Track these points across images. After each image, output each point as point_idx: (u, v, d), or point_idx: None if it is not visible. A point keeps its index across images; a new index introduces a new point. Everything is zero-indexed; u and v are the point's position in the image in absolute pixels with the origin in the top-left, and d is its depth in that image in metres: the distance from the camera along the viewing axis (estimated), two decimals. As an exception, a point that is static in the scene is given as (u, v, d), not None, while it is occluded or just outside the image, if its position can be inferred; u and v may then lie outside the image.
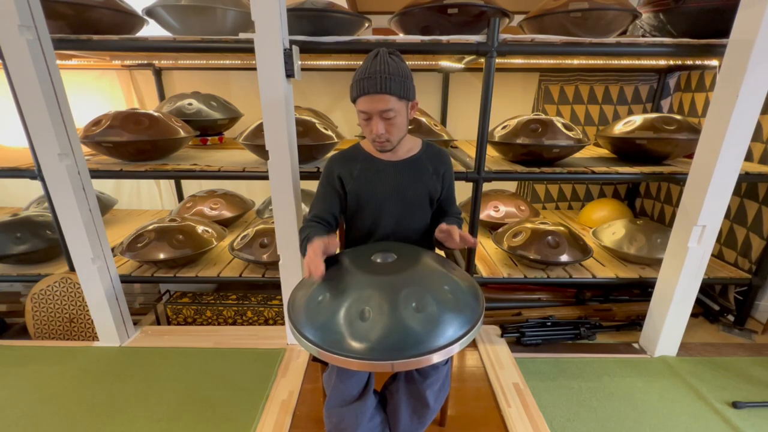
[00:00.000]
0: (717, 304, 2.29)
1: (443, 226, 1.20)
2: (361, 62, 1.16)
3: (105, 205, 2.79)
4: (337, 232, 1.40)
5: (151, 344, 1.93)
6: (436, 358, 0.87)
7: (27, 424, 1.47)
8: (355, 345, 0.87)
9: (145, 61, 2.65)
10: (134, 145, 1.89)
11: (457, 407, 1.55)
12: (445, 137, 2.09)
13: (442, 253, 1.78)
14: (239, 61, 2.57)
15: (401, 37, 1.73)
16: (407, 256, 1.12)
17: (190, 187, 3.12)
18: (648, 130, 2.00)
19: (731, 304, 2.25)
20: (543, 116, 2.04)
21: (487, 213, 2.57)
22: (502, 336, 2.01)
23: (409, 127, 1.98)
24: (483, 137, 1.79)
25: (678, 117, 2.02)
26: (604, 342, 2.06)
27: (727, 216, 2.22)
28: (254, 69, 2.09)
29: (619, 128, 2.12)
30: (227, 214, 2.68)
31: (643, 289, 2.39)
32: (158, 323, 2.26)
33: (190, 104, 2.41)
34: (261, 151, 1.83)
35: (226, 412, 1.52)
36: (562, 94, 2.87)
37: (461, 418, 1.51)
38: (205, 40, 1.66)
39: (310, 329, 0.93)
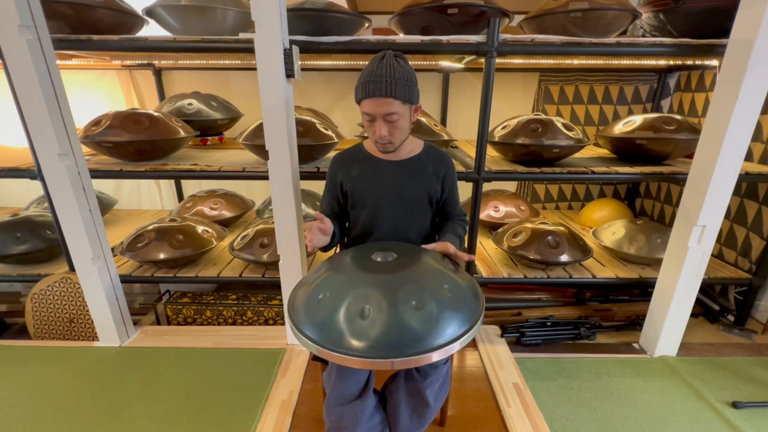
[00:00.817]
0: (717, 304, 2.29)
1: (437, 245, 1.22)
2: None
3: (105, 205, 2.79)
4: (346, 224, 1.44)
5: (151, 344, 1.93)
6: (436, 356, 0.87)
7: (27, 424, 1.47)
8: (355, 343, 0.88)
9: (145, 61, 2.65)
10: (134, 145, 1.89)
11: (457, 407, 1.55)
12: (445, 137, 2.09)
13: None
14: (239, 61, 2.57)
15: (401, 37, 1.73)
16: (407, 255, 1.13)
17: (190, 187, 3.12)
18: (648, 130, 2.00)
19: (731, 304, 2.25)
20: (543, 116, 2.04)
21: (487, 213, 2.57)
22: (502, 336, 2.01)
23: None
24: (483, 137, 1.79)
25: (678, 117, 2.02)
26: (604, 342, 2.06)
27: (727, 216, 2.22)
28: (254, 69, 2.09)
29: (619, 128, 2.12)
30: (227, 214, 2.68)
31: (643, 289, 2.39)
32: (158, 323, 2.26)
33: (190, 104, 2.41)
34: (261, 151, 1.83)
35: (226, 412, 1.52)
36: (562, 94, 2.88)
37: (461, 418, 1.51)
38: (205, 40, 1.66)
39: (310, 327, 0.94)
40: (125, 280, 2.02)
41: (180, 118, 2.22)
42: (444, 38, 1.65)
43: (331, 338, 0.90)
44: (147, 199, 3.20)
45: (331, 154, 2.08)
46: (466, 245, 2.04)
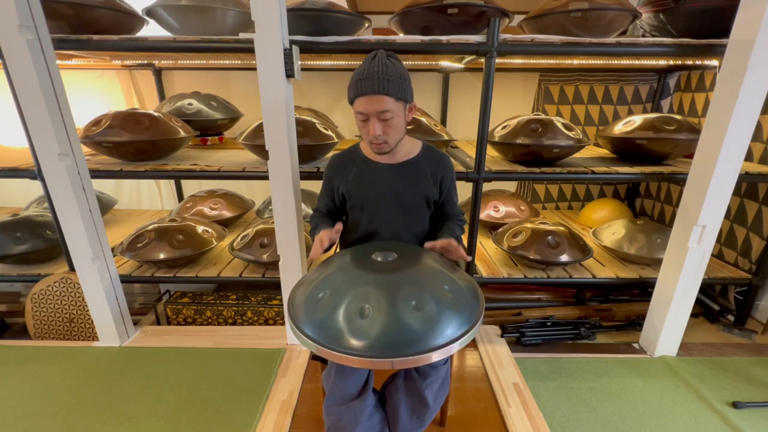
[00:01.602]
0: (717, 304, 2.29)
1: (434, 243, 1.22)
2: (361, 62, 1.16)
3: (105, 205, 2.79)
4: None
5: (151, 344, 1.93)
6: (436, 356, 0.87)
7: (27, 424, 1.47)
8: (354, 342, 0.88)
9: (145, 61, 2.65)
10: (134, 145, 1.89)
11: (457, 407, 1.55)
12: (445, 137, 2.09)
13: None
14: (239, 61, 2.57)
15: (401, 37, 1.73)
16: (408, 255, 1.13)
17: (190, 187, 3.12)
18: (648, 130, 1.99)
19: (731, 304, 2.25)
20: (543, 116, 2.04)
21: (487, 213, 2.57)
22: (502, 336, 2.01)
23: (409, 127, 1.99)
24: (483, 137, 1.79)
25: (678, 117, 2.02)
26: (604, 342, 2.06)
27: (727, 216, 2.22)
28: (254, 69, 2.09)
29: (619, 128, 2.12)
30: (227, 214, 2.68)
31: (643, 289, 2.39)
32: (158, 323, 2.26)
33: (190, 104, 2.41)
34: (261, 151, 1.83)
35: (226, 412, 1.52)
36: (562, 94, 2.87)
37: (461, 418, 1.51)
38: (205, 40, 1.66)
39: (310, 326, 0.94)
40: (125, 280, 2.02)
41: (180, 118, 2.22)
42: (444, 38, 1.65)
43: (331, 337, 0.90)
44: (147, 199, 3.20)
45: (331, 154, 2.08)
46: (465, 245, 2.05)
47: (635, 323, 2.13)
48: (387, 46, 1.65)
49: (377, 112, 1.12)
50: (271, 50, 1.42)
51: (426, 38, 1.65)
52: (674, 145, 1.97)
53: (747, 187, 2.17)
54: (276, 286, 1.85)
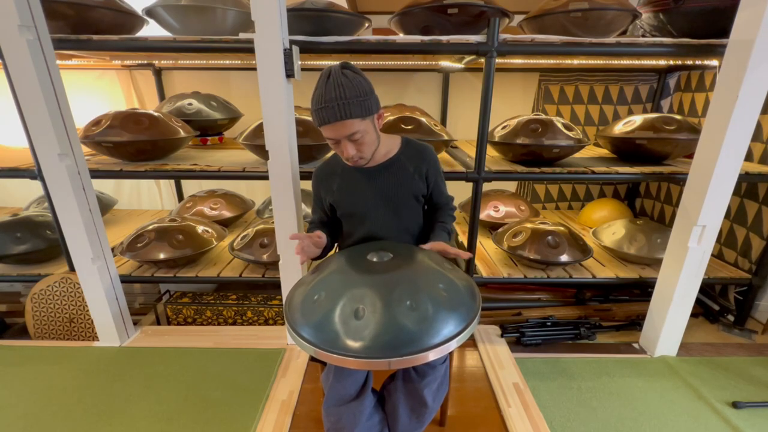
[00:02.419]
0: (717, 304, 2.29)
1: (433, 245, 1.21)
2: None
3: (105, 205, 2.79)
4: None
5: (151, 344, 1.93)
6: (432, 355, 0.87)
7: (27, 424, 1.47)
8: (351, 343, 0.88)
9: (145, 61, 2.65)
10: (134, 145, 1.89)
11: (457, 407, 1.55)
12: (445, 137, 2.08)
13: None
14: (239, 61, 2.57)
15: (401, 37, 1.73)
16: (403, 255, 1.12)
17: (190, 187, 3.12)
18: (648, 130, 1.99)
19: (731, 304, 2.25)
20: (543, 116, 2.04)
21: (487, 213, 2.57)
22: (502, 336, 2.01)
23: (409, 127, 1.99)
24: (483, 137, 1.79)
25: (678, 117, 2.02)
26: (604, 342, 2.06)
27: (727, 216, 2.22)
28: (254, 69, 2.09)
29: (619, 128, 2.11)
30: (227, 214, 2.68)
31: (643, 289, 2.39)
32: (158, 323, 2.26)
33: (190, 104, 2.41)
34: (261, 151, 1.83)
35: (226, 412, 1.52)
36: (562, 94, 2.87)
37: (461, 418, 1.51)
38: (205, 40, 1.66)
39: (306, 328, 0.94)
40: (125, 280, 2.02)
41: (180, 118, 2.22)
42: (444, 38, 1.65)
43: (327, 339, 0.90)
44: (147, 199, 3.20)
45: (331, 153, 2.08)
46: (466, 246, 2.05)
47: (635, 323, 2.13)
48: (387, 46, 1.66)
49: (346, 135, 1.11)
50: (271, 50, 1.42)
51: (426, 38, 1.65)
52: (674, 145, 1.97)
53: (747, 187, 2.17)
54: (276, 286, 1.85)
